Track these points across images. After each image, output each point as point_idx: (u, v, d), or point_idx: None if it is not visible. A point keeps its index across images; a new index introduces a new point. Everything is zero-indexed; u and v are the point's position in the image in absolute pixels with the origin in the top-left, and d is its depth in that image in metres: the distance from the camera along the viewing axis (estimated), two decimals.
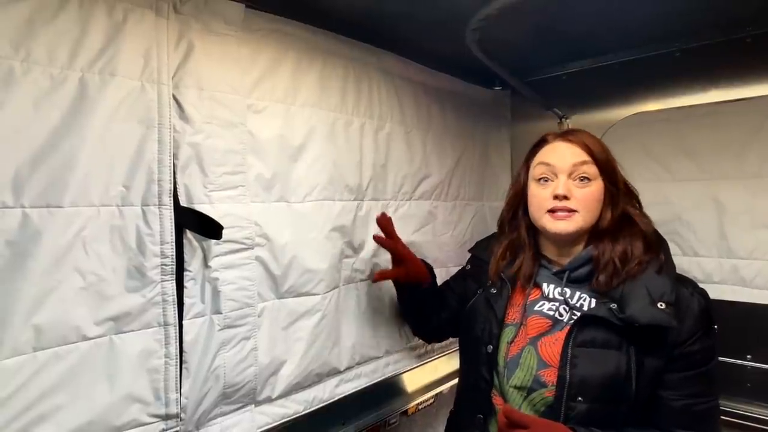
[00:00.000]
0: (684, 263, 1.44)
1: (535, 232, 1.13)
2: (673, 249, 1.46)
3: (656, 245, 1.04)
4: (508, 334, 1.08)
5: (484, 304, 1.16)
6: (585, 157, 1.04)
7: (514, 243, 1.16)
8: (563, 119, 1.76)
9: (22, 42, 0.76)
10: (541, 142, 1.12)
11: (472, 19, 1.19)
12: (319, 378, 1.21)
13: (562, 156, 1.05)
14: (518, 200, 1.16)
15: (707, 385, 0.98)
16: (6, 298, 0.75)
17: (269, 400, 1.11)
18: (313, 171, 1.19)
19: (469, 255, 1.34)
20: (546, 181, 1.07)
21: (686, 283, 1.02)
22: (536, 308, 1.08)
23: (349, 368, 1.29)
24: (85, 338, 0.82)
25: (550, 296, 1.07)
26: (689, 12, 1.26)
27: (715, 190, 1.41)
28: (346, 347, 1.28)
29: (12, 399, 0.75)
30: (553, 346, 1.01)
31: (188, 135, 0.95)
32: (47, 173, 0.78)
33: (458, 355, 1.24)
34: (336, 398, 1.25)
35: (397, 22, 1.25)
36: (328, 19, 1.20)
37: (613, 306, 0.96)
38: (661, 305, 0.93)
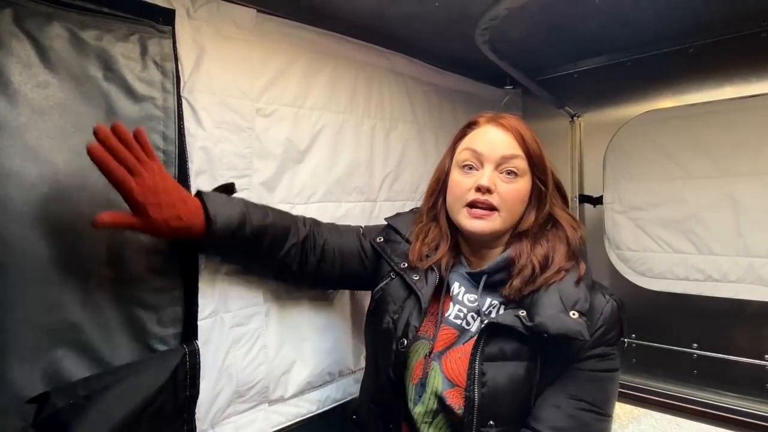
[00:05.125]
0: (700, 262, 1.41)
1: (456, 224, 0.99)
2: (689, 247, 1.45)
3: (579, 253, 0.94)
4: (422, 347, 0.94)
5: (401, 288, 0.99)
6: (517, 149, 0.93)
7: (435, 234, 1.02)
8: (575, 117, 1.74)
9: None
10: (472, 125, 1.00)
11: (482, 18, 1.18)
12: (331, 377, 1.22)
13: (492, 144, 0.93)
14: (440, 187, 1.03)
15: (602, 395, 0.87)
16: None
17: (282, 399, 1.12)
18: (318, 172, 1.20)
19: (384, 224, 1.13)
20: (470, 169, 0.95)
21: (603, 289, 0.92)
22: (446, 315, 0.95)
23: (361, 368, 1.29)
24: None
25: (460, 299, 0.96)
26: (702, 7, 1.24)
27: (731, 187, 1.38)
28: (357, 346, 1.28)
29: None
30: (458, 361, 0.89)
31: (201, 139, 0.97)
32: None
33: None
34: (349, 398, 1.26)
35: (406, 23, 1.26)
36: (338, 22, 1.21)
37: (522, 313, 0.86)
38: (573, 314, 0.84)
